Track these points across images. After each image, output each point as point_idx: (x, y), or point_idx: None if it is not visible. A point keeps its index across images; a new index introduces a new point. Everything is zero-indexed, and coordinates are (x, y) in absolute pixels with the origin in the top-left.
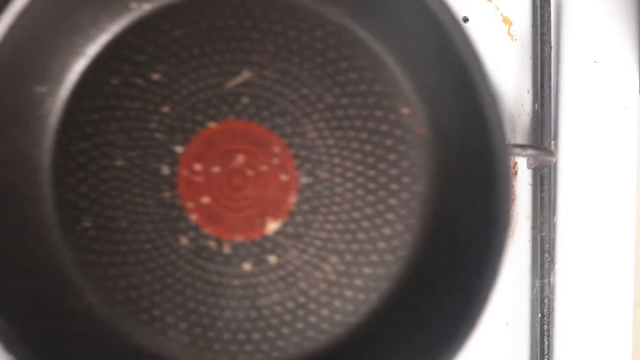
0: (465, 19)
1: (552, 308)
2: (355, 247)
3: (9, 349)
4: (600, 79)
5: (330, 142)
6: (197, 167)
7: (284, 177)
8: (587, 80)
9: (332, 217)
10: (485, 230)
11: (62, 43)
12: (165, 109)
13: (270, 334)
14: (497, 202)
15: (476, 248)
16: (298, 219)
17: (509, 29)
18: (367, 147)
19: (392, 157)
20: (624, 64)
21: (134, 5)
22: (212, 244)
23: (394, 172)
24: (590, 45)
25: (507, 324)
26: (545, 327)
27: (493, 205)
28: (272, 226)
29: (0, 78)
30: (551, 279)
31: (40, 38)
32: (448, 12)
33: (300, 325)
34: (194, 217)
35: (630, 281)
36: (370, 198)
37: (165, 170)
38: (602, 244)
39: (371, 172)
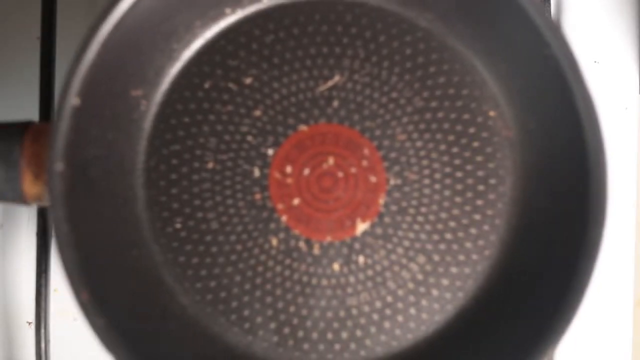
0: None
1: None
2: (442, 246)
3: (110, 348)
4: (600, 79)
5: (419, 144)
6: (288, 169)
7: (373, 179)
8: (587, 80)
9: (420, 218)
10: (580, 229)
11: (158, 47)
12: (257, 112)
13: (358, 333)
14: (593, 201)
15: (568, 247)
16: (387, 219)
17: None
18: (455, 149)
19: (479, 158)
20: (624, 64)
21: (228, 11)
22: (302, 244)
23: (480, 173)
24: (590, 45)
25: None
26: None
27: (588, 204)
28: (361, 227)
29: (103, 81)
30: None
31: (140, 42)
32: (542, 13)
33: (387, 324)
34: (284, 218)
35: (630, 281)
36: (458, 199)
37: (257, 172)
38: (602, 243)
39: (458, 174)
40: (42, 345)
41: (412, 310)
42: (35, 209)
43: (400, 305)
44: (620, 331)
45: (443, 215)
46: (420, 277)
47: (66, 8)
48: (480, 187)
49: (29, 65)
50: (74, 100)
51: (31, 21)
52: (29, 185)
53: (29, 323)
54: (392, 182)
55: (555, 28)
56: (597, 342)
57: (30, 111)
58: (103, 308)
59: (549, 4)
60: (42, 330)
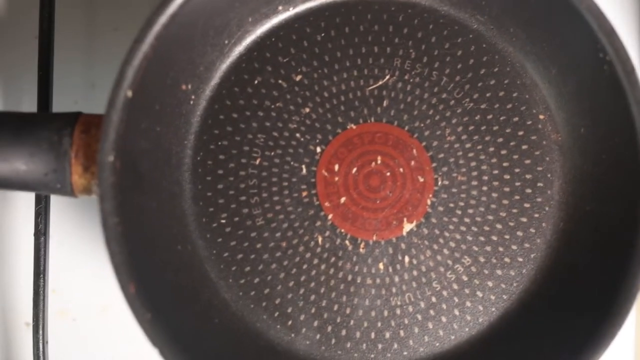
0: None
1: None
2: (488, 248)
3: (155, 343)
4: None
5: (468, 145)
6: (336, 167)
7: (421, 179)
8: None
9: (466, 219)
10: (628, 235)
11: (210, 42)
12: (306, 110)
13: (402, 333)
14: None
15: (616, 252)
16: (433, 220)
17: None
18: (503, 152)
19: (528, 161)
20: None
21: (280, 8)
22: (347, 243)
23: (528, 176)
24: None
25: None
26: None
27: (638, 210)
28: (407, 227)
29: (154, 74)
30: None
31: (192, 36)
32: (599, 17)
33: (431, 325)
34: (330, 216)
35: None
36: (505, 201)
37: (304, 170)
38: None
39: (506, 176)
40: (41, 346)
41: (456, 312)
42: (33, 209)
43: (444, 306)
44: (621, 331)
45: (490, 217)
46: (465, 278)
47: (65, 5)
48: (528, 190)
49: (27, 60)
50: (126, 92)
51: (30, 20)
52: (78, 177)
53: (27, 324)
54: (440, 182)
55: (612, 33)
56: None
57: (29, 104)
58: (149, 302)
59: None
60: (41, 332)
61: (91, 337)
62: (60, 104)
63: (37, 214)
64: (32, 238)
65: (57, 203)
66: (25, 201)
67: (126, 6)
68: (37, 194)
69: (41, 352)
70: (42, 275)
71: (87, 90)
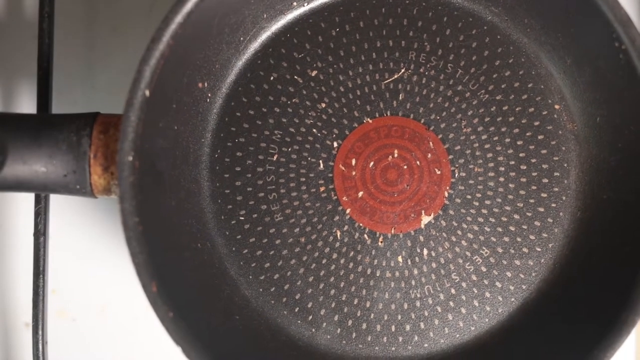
0: None
1: None
2: (506, 239)
3: (178, 342)
4: None
5: (484, 137)
6: (353, 162)
7: (438, 172)
8: None
9: (484, 211)
10: None
11: (225, 40)
12: (322, 105)
13: (422, 325)
14: None
15: (634, 240)
16: (451, 212)
17: None
18: (520, 142)
19: (544, 151)
20: None
21: (295, 3)
22: (366, 237)
23: (545, 166)
24: None
25: None
26: None
27: None
28: (425, 220)
29: (171, 73)
30: None
31: (207, 34)
32: (614, 6)
33: (450, 317)
34: (348, 210)
35: None
36: (522, 192)
37: (321, 165)
38: None
39: (523, 167)
40: (40, 346)
41: (476, 303)
42: (33, 209)
43: (463, 297)
44: None
45: (507, 207)
46: (483, 269)
47: (64, 5)
48: (545, 180)
49: (27, 60)
50: (144, 91)
51: (30, 20)
52: (97, 178)
53: (27, 324)
54: (457, 174)
55: (627, 22)
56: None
57: (28, 105)
58: (170, 301)
59: None
60: (40, 332)
61: (91, 337)
62: (60, 104)
63: (37, 214)
64: (32, 238)
65: (56, 203)
66: (24, 201)
67: (126, 6)
68: (36, 194)
69: (41, 353)
70: (41, 276)
71: (87, 90)
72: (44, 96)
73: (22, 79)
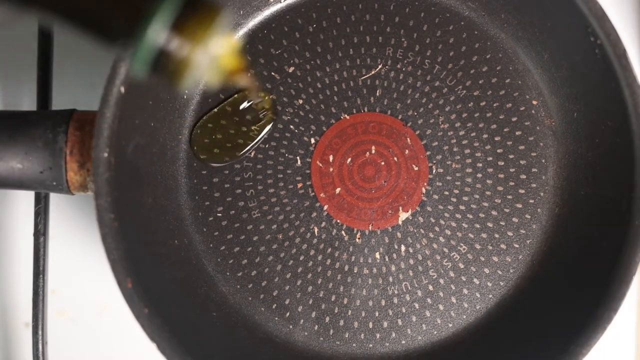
0: None
1: None
2: (484, 236)
3: (154, 338)
4: None
5: (462, 132)
6: (330, 158)
7: (415, 168)
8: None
9: (462, 207)
10: (624, 218)
11: None
12: (300, 101)
13: (399, 322)
14: (639, 190)
15: (612, 235)
16: (429, 208)
17: None
18: (497, 138)
19: (522, 147)
20: None
21: (272, 0)
22: (343, 233)
23: (523, 162)
24: None
25: None
26: None
27: (633, 193)
28: (403, 216)
29: None
30: None
31: None
32: (590, 1)
33: (428, 313)
34: (326, 207)
35: (634, 283)
36: (500, 187)
37: (299, 161)
38: None
39: (501, 162)
40: (40, 346)
41: (453, 299)
42: (33, 209)
43: (441, 294)
44: (623, 331)
45: (485, 203)
46: (461, 265)
47: None
48: (523, 176)
49: (27, 60)
50: (119, 88)
51: (30, 19)
52: (74, 174)
53: (27, 324)
54: (435, 170)
55: (602, 16)
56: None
57: (28, 104)
58: (146, 297)
59: None
60: (40, 332)
61: (90, 338)
62: (60, 104)
63: (37, 214)
64: (32, 238)
65: (56, 203)
66: (24, 201)
67: None
68: (36, 194)
69: (40, 353)
70: (41, 276)
71: (87, 89)
72: (44, 95)
73: (22, 78)
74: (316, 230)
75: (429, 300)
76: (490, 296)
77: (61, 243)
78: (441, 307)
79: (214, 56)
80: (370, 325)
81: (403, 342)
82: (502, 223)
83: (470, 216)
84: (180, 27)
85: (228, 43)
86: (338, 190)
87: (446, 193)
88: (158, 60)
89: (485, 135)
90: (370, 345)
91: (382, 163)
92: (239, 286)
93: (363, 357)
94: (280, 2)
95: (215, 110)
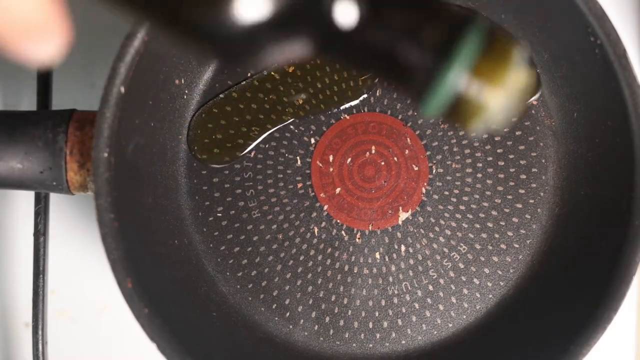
0: None
1: None
2: (484, 235)
3: (154, 338)
4: None
5: (461, 132)
6: (330, 158)
7: (415, 168)
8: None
9: (462, 207)
10: (624, 218)
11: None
12: (300, 101)
13: (400, 322)
14: (639, 189)
15: (612, 235)
16: (429, 208)
17: None
18: (497, 138)
19: (522, 147)
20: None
21: None
22: (343, 233)
23: (523, 162)
24: None
25: None
26: None
27: (634, 193)
28: (403, 216)
29: (147, 70)
30: None
31: None
32: (590, 1)
33: (428, 313)
34: (326, 207)
35: (634, 283)
36: (500, 187)
37: (299, 161)
38: None
39: (501, 163)
40: (40, 346)
41: (453, 299)
42: (33, 209)
43: (441, 294)
44: (623, 331)
45: (485, 204)
46: (461, 265)
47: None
48: (523, 176)
49: None
50: (119, 88)
51: None
52: (74, 174)
53: (27, 324)
54: (435, 170)
55: (602, 16)
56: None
57: (28, 104)
58: (146, 297)
59: None
60: (40, 332)
61: (90, 338)
62: (60, 104)
63: (37, 214)
64: (32, 238)
65: (56, 203)
66: (24, 201)
67: None
68: (36, 194)
69: (40, 353)
70: (41, 276)
71: (87, 89)
72: (44, 95)
73: (23, 78)
74: (316, 230)
75: (429, 300)
76: (490, 296)
77: (61, 243)
78: (441, 307)
79: (510, 94)
80: (370, 325)
81: (403, 342)
82: (502, 223)
83: (470, 216)
84: (479, 70)
85: (522, 76)
86: (338, 190)
87: (446, 193)
88: (453, 105)
89: (485, 135)
90: (370, 345)
91: (382, 163)
92: (239, 286)
93: (363, 357)
94: None
95: (222, 96)
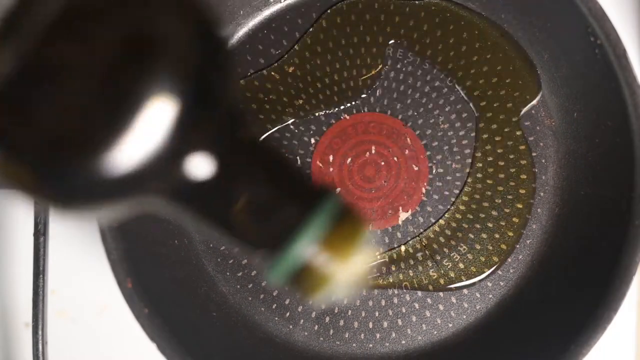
0: None
1: None
2: (484, 235)
3: (154, 338)
4: None
5: (461, 133)
6: (330, 158)
7: (415, 168)
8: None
9: (462, 207)
10: (624, 218)
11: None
12: (300, 101)
13: (399, 322)
14: (639, 190)
15: (612, 235)
16: (429, 208)
17: None
18: (497, 138)
19: (522, 147)
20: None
21: (272, 0)
22: None
23: (523, 162)
24: None
25: None
26: None
27: (633, 193)
28: (403, 216)
29: None
30: None
31: None
32: (590, 1)
33: (428, 314)
34: None
35: (634, 283)
36: (500, 188)
37: (299, 161)
38: None
39: (501, 163)
40: (40, 346)
41: (453, 299)
42: (33, 209)
43: (441, 294)
44: (623, 331)
45: (485, 204)
46: (461, 265)
47: None
48: (523, 176)
49: None
50: None
51: None
52: None
53: (27, 324)
54: (435, 170)
55: (602, 16)
56: (599, 342)
57: None
58: (146, 297)
59: None
60: (40, 332)
61: (90, 338)
62: None
63: (37, 214)
64: (32, 238)
65: None
66: (24, 201)
67: None
68: None
69: (40, 353)
70: (41, 276)
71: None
72: None
73: None
74: None
75: (428, 300)
76: (490, 296)
77: (61, 243)
78: (441, 307)
79: (353, 271)
80: (370, 325)
81: (403, 342)
82: (502, 223)
83: (470, 216)
84: (328, 244)
85: (366, 257)
86: (338, 190)
87: (446, 193)
88: (298, 274)
89: (485, 135)
90: (370, 346)
91: (382, 163)
92: (239, 286)
93: (363, 357)
94: (280, 2)
95: None
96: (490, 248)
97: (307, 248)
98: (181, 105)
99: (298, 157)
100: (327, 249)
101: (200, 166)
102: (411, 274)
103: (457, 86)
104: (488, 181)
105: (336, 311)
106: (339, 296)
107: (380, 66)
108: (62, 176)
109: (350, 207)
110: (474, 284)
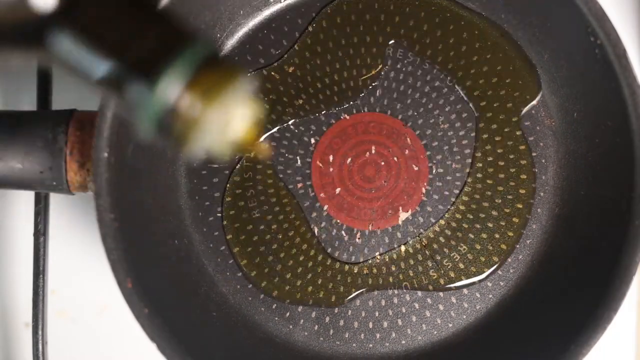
0: None
1: None
2: (484, 235)
3: (154, 338)
4: None
5: (461, 133)
6: (330, 158)
7: (415, 168)
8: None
9: (462, 207)
10: (624, 218)
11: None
12: (299, 101)
13: (399, 322)
14: (639, 190)
15: (612, 235)
16: (429, 208)
17: None
18: (497, 138)
19: (522, 147)
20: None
21: (272, 0)
22: (343, 233)
23: (523, 162)
24: None
25: None
26: None
27: (633, 193)
28: (403, 216)
29: None
30: None
31: None
32: (590, 1)
33: (428, 314)
34: (326, 207)
35: (634, 283)
36: (500, 188)
37: (299, 161)
38: None
39: (501, 163)
40: (40, 346)
41: (453, 299)
42: (33, 209)
43: (441, 294)
44: (623, 331)
45: (485, 204)
46: (461, 265)
47: None
48: (523, 176)
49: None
50: None
51: None
52: (74, 174)
53: (27, 324)
54: (435, 170)
55: (602, 16)
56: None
57: (28, 104)
58: (146, 297)
59: None
60: (40, 332)
61: (90, 338)
62: (60, 104)
63: (37, 214)
64: (32, 238)
65: (56, 203)
66: (24, 201)
67: None
68: (36, 194)
69: (40, 353)
70: (41, 276)
71: (87, 89)
72: (44, 95)
73: (23, 78)
74: (316, 230)
75: (428, 300)
76: (490, 296)
77: (61, 243)
78: (441, 307)
79: (225, 122)
80: (370, 325)
81: (403, 342)
82: (502, 223)
83: (470, 216)
84: (194, 86)
85: (243, 110)
86: (338, 190)
87: (446, 193)
88: (166, 119)
89: (485, 135)
90: (370, 346)
91: (382, 163)
92: (239, 286)
93: (363, 357)
94: (280, 2)
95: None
96: (490, 248)
97: (171, 89)
98: None
99: (298, 157)
100: (194, 92)
101: None
102: (411, 274)
103: (457, 86)
104: (488, 181)
105: (336, 311)
106: (219, 152)
107: (380, 66)
108: None
109: (226, 57)
110: (474, 284)
